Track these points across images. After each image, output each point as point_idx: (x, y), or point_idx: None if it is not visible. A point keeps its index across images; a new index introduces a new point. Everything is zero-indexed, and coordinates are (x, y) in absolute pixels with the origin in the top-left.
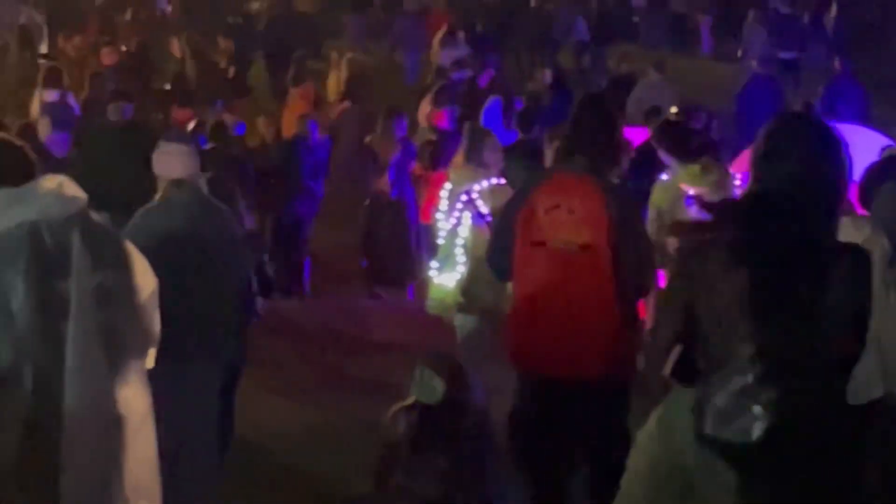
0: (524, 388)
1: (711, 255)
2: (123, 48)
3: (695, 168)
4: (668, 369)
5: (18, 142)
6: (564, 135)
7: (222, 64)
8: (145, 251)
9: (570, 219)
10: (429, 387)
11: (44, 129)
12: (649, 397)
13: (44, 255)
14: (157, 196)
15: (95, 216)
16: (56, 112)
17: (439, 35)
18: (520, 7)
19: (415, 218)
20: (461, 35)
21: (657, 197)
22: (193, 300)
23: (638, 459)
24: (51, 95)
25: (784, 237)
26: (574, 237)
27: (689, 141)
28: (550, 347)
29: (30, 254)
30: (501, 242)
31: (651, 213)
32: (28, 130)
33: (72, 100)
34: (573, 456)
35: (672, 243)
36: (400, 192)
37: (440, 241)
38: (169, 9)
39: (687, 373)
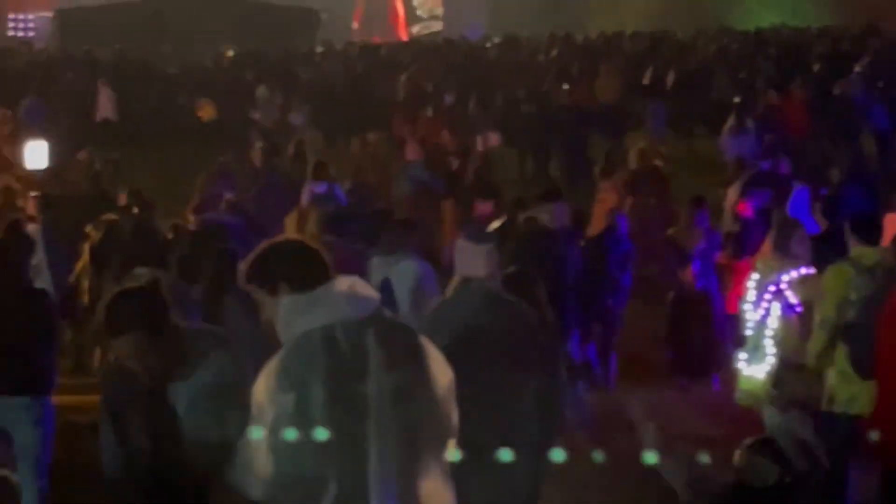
0: (889, 483)
1: None
2: (430, 143)
3: None
4: None
5: (315, 244)
6: None
7: (453, 161)
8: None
9: None
10: (760, 472)
11: (313, 220)
12: None
13: (340, 358)
14: (448, 291)
15: (390, 314)
16: (324, 203)
17: (728, 124)
18: (822, 94)
19: (720, 308)
20: (750, 124)
21: None
22: (483, 395)
23: None
24: (319, 187)
25: None
26: None
27: None
28: None
29: (326, 358)
30: (865, 340)
31: None
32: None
33: (339, 191)
34: None
35: None
36: (705, 283)
37: (748, 332)
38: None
39: None
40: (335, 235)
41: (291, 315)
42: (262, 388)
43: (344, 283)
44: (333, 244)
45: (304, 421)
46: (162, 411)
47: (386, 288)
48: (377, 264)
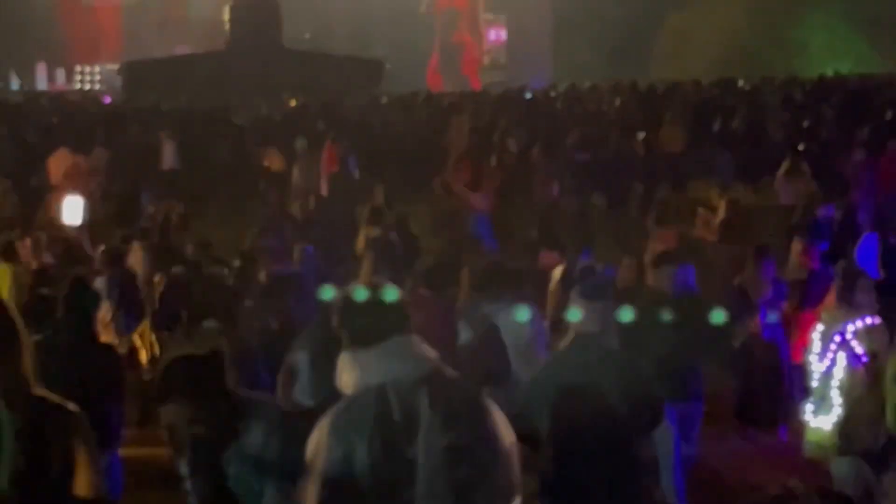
0: None
1: None
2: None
3: None
4: None
5: (400, 298)
6: None
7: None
8: (542, 400)
9: None
10: None
11: (369, 266)
12: None
13: (389, 420)
14: (565, 343)
15: (449, 372)
16: (379, 248)
17: (783, 168)
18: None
19: (787, 358)
20: (805, 167)
21: None
22: (587, 450)
23: None
24: (374, 232)
25: None
26: None
27: None
28: None
29: (374, 419)
30: None
31: None
32: None
33: (394, 236)
34: None
35: None
36: (771, 333)
37: (814, 383)
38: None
39: None
40: (430, 289)
41: (347, 372)
42: (315, 440)
43: (401, 342)
44: (424, 299)
45: (349, 479)
46: (214, 477)
47: (494, 334)
48: (486, 312)
